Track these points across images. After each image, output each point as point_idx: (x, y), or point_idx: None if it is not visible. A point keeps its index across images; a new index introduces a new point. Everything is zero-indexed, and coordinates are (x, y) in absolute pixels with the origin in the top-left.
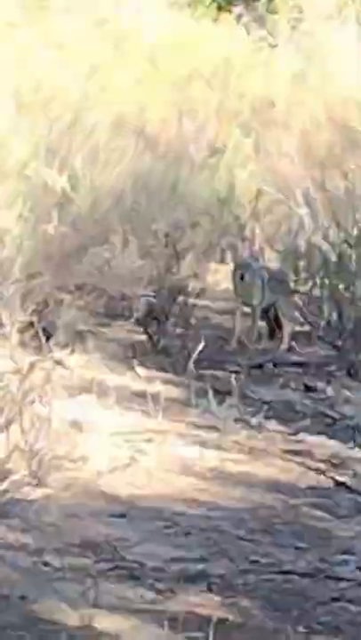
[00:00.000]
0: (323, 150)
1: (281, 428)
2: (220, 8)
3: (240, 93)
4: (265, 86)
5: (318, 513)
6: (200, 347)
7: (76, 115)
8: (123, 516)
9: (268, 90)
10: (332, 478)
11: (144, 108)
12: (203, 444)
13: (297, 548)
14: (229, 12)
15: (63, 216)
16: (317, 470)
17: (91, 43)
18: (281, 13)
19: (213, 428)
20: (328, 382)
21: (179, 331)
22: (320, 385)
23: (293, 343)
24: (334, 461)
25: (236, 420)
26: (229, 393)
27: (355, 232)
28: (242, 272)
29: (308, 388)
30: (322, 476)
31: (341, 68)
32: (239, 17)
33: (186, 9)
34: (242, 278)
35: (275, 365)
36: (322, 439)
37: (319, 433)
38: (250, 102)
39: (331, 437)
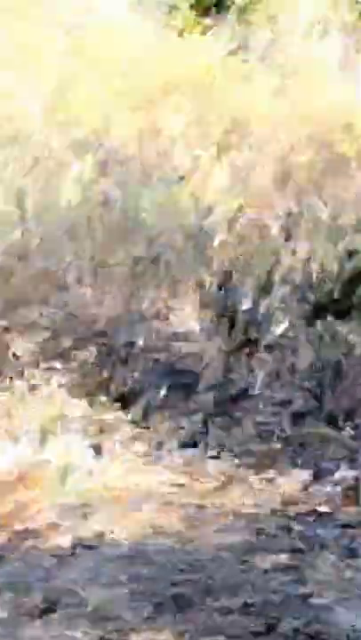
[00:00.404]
0: (302, 175)
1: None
2: (192, 20)
3: (216, 112)
4: (239, 106)
5: None
6: (164, 389)
7: (27, 134)
8: None
9: (243, 109)
10: None
11: (104, 130)
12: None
13: None
14: (202, 24)
15: (9, 248)
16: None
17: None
18: (257, 25)
19: (184, 471)
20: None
21: (141, 372)
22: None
23: (272, 385)
24: None
25: (202, 466)
26: (194, 437)
27: (335, 265)
28: (213, 310)
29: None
30: None
31: (324, 83)
32: (212, 29)
33: (157, 19)
34: (214, 317)
35: (252, 407)
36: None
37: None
38: (223, 122)
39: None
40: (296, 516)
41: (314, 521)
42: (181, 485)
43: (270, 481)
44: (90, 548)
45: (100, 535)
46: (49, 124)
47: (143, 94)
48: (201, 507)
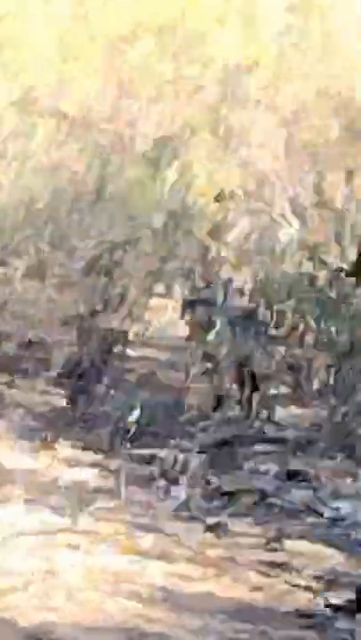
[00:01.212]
0: (316, 139)
1: (254, 530)
2: None
3: (202, 58)
4: (238, 49)
5: None
6: (137, 414)
7: None
8: None
9: (243, 53)
10: (327, 601)
11: (66, 79)
12: (144, 552)
13: None
14: None
15: None
16: (306, 589)
17: None
18: None
19: (158, 530)
20: (318, 466)
21: (109, 392)
22: (307, 469)
23: (270, 411)
24: (328, 577)
25: (187, 519)
26: (177, 481)
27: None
28: (199, 310)
29: (290, 475)
30: (311, 597)
31: (347, 25)
32: None
33: None
34: (200, 320)
35: (242, 442)
36: (311, 547)
37: (307, 538)
38: (216, 71)
39: (325, 544)
40: None
41: None
42: None
43: None
44: None
45: None
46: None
47: (114, 36)
48: None
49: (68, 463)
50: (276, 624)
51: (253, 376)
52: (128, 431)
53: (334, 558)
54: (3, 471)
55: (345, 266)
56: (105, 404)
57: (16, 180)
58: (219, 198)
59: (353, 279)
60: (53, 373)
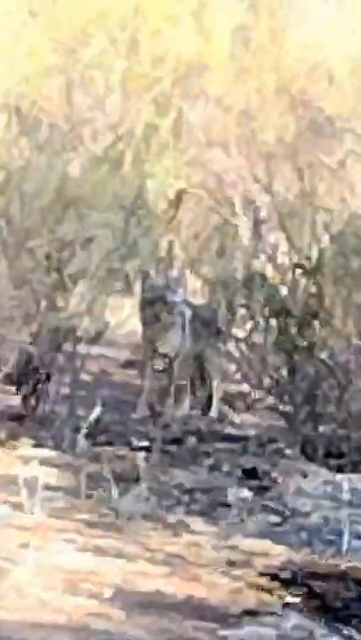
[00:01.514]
0: (270, 136)
1: (209, 528)
2: None
3: (156, 55)
4: (192, 46)
5: None
6: (95, 413)
7: None
8: None
9: (197, 51)
10: (280, 598)
11: (19, 76)
12: (99, 550)
13: None
14: None
15: None
16: (259, 588)
17: None
18: None
19: (113, 527)
20: (274, 464)
21: (65, 391)
22: (264, 468)
23: (227, 409)
24: (283, 576)
25: (145, 517)
26: (137, 479)
27: (313, 252)
28: (154, 308)
29: (246, 473)
30: (266, 596)
31: (299, 21)
32: None
33: None
34: (155, 318)
35: (200, 440)
36: (266, 544)
37: (262, 536)
38: (170, 68)
39: (278, 542)
40: None
41: None
42: None
43: None
44: None
45: None
46: None
47: (69, 32)
48: None
49: (23, 460)
50: (228, 622)
51: (203, 374)
52: (87, 429)
53: (285, 555)
54: None
55: (304, 262)
56: (61, 402)
57: None
58: (177, 198)
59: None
60: (6, 371)
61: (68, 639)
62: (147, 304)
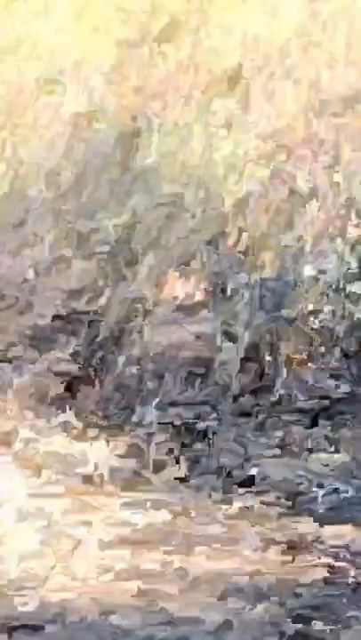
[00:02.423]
0: (340, 107)
1: (277, 502)
2: None
3: (224, 29)
4: (260, 20)
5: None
6: (164, 386)
7: None
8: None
9: (265, 25)
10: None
11: (86, 49)
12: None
13: None
14: None
15: None
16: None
17: None
18: None
19: (182, 500)
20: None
21: (134, 363)
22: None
23: (295, 383)
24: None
25: (213, 490)
26: (205, 451)
27: None
28: (223, 282)
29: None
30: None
31: None
32: None
33: None
34: (223, 291)
35: (268, 414)
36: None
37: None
38: (238, 42)
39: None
40: None
41: None
42: None
43: None
44: None
45: None
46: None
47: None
48: None
49: (91, 433)
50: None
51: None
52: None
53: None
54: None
55: None
56: (129, 376)
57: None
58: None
59: None
60: (76, 343)
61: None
62: (215, 278)
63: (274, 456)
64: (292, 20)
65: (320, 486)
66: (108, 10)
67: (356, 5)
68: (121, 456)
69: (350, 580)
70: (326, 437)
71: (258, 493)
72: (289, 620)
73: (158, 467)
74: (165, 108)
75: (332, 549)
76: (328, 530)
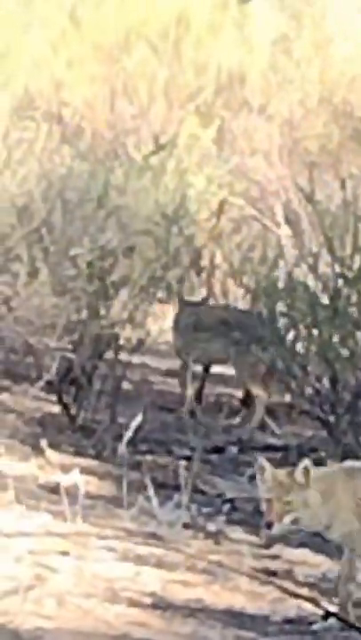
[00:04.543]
0: (313, 146)
1: (249, 537)
2: None
3: (198, 65)
4: (234, 55)
5: None
6: (136, 422)
7: None
8: None
9: (239, 60)
10: (320, 607)
11: (60, 84)
12: (139, 559)
13: None
14: None
15: None
16: (300, 597)
17: None
18: None
19: (154, 536)
20: None
21: (106, 399)
22: None
23: (268, 419)
24: (323, 585)
25: (185, 526)
26: (177, 487)
27: (355, 263)
28: (193, 318)
29: None
30: (306, 605)
31: (341, 31)
32: None
33: None
34: (194, 328)
35: (241, 450)
36: (306, 554)
37: (302, 545)
38: (212, 78)
39: (318, 551)
40: None
41: None
42: None
43: None
44: None
45: None
46: None
47: (111, 42)
48: None
49: (63, 469)
50: (267, 631)
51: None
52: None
53: (326, 565)
54: None
55: (346, 272)
56: (102, 411)
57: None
58: (219, 207)
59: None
60: (47, 379)
61: None
62: (185, 314)
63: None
64: (266, 56)
65: None
66: (83, 45)
67: (329, 42)
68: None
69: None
70: None
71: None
72: None
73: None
74: (138, 145)
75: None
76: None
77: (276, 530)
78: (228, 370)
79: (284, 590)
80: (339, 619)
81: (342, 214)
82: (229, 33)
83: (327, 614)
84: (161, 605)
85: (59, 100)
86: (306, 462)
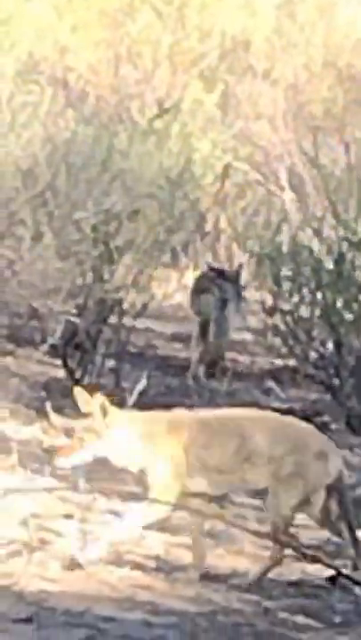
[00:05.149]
0: (318, 110)
1: (253, 501)
2: None
3: (203, 30)
4: (237, 20)
5: (304, 620)
6: (140, 385)
7: None
8: (28, 620)
9: (242, 25)
10: (324, 565)
11: (65, 49)
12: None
13: None
14: None
15: None
16: (303, 558)
17: None
18: None
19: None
20: None
21: (111, 363)
22: None
23: (272, 383)
24: (328, 549)
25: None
26: None
27: (360, 226)
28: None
29: None
30: (310, 568)
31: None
32: None
33: None
34: (203, 291)
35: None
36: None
37: None
38: (216, 43)
39: None
40: None
41: None
42: None
43: None
44: None
45: None
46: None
47: (115, 6)
48: None
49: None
50: (271, 595)
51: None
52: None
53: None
54: (2, 440)
55: (350, 235)
56: (106, 375)
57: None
58: (223, 171)
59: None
60: (52, 342)
61: (112, 610)
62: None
63: None
64: (270, 20)
65: None
66: (88, 10)
67: (333, 5)
68: None
69: None
70: None
71: None
72: None
73: None
74: (142, 109)
75: None
76: None
77: (60, 463)
78: (233, 335)
79: (294, 549)
80: (348, 578)
81: (346, 178)
82: None
83: (338, 574)
84: (165, 568)
85: (63, 65)
86: (101, 398)
